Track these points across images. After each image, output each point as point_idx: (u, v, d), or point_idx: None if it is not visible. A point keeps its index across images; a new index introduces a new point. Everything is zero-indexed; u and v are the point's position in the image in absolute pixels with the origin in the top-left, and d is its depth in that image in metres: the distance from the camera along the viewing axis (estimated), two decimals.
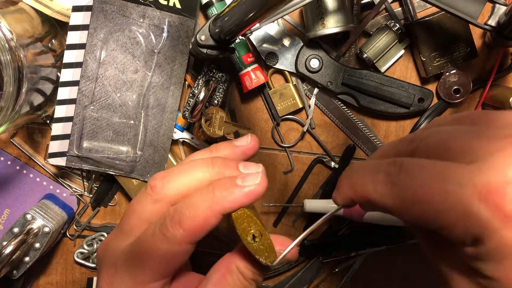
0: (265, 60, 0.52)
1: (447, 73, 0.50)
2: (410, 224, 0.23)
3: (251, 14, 0.34)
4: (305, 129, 0.54)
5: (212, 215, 0.28)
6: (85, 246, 0.58)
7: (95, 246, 0.57)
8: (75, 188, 0.57)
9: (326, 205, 0.53)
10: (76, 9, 0.49)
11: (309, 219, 0.57)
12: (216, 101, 0.52)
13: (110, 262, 0.30)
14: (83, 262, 0.58)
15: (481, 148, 0.19)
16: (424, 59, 0.50)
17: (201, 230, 0.28)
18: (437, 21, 0.49)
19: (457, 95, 0.51)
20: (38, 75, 0.47)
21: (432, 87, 0.53)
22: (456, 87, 0.51)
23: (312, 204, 0.53)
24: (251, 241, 0.28)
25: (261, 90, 0.54)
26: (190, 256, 0.29)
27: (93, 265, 0.58)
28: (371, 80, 0.51)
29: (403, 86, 0.51)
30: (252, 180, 0.28)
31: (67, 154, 0.52)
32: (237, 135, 0.55)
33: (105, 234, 0.57)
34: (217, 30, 0.41)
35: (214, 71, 0.51)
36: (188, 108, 0.51)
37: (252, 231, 0.28)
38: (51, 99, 0.51)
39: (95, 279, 0.57)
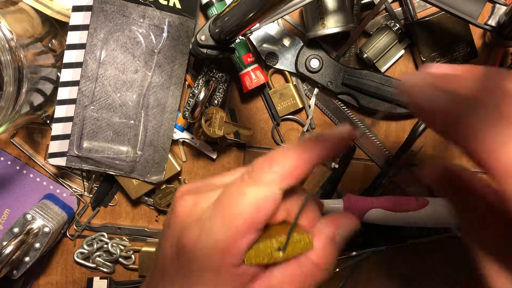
0: (265, 60, 0.52)
1: None
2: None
3: (251, 14, 0.34)
4: (305, 129, 0.54)
5: (302, 161, 0.27)
6: (85, 246, 0.58)
7: (95, 246, 0.57)
8: (75, 188, 0.57)
9: (326, 205, 0.53)
10: (76, 9, 0.49)
11: None
12: (216, 101, 0.52)
13: (196, 219, 0.28)
14: (83, 262, 0.58)
15: None
16: (424, 59, 0.50)
17: (291, 174, 0.27)
18: (437, 21, 0.49)
19: None
20: (38, 75, 0.47)
21: None
22: None
23: None
24: (281, 255, 0.28)
25: (261, 90, 0.54)
26: (279, 206, 0.27)
27: (93, 265, 0.58)
28: (371, 80, 0.51)
29: None
30: (342, 131, 0.28)
31: (67, 154, 0.52)
32: (237, 135, 0.55)
33: (105, 234, 0.57)
34: (217, 30, 0.41)
35: (214, 71, 0.51)
36: (188, 108, 0.51)
37: (273, 248, 0.27)
38: (51, 99, 0.51)
39: (95, 279, 0.57)
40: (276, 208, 0.27)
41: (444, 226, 0.54)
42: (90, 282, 0.57)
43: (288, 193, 0.28)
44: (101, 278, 0.57)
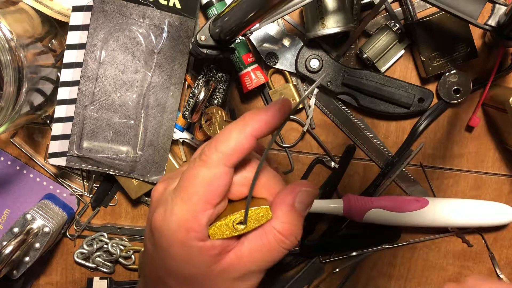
0: (265, 60, 0.52)
1: (447, 73, 0.51)
2: None
3: (251, 14, 0.34)
4: (305, 129, 0.54)
5: (244, 137, 0.29)
6: (85, 246, 0.58)
7: (95, 246, 0.57)
8: (75, 188, 0.57)
9: (326, 205, 0.53)
10: (76, 9, 0.49)
11: (308, 218, 0.57)
12: (216, 101, 0.52)
13: (162, 201, 0.32)
14: (83, 262, 0.58)
15: None
16: (424, 59, 0.50)
17: (235, 151, 0.29)
18: (437, 21, 0.49)
19: (457, 95, 0.51)
20: (38, 75, 0.47)
21: (432, 87, 0.53)
22: (456, 87, 0.51)
23: (313, 204, 0.53)
24: (242, 228, 0.30)
25: (261, 90, 0.54)
26: (230, 183, 0.30)
27: (93, 265, 0.58)
28: (371, 80, 0.51)
29: (403, 86, 0.51)
30: (276, 102, 0.30)
31: (67, 154, 0.52)
32: None
33: (105, 234, 0.57)
34: (217, 30, 0.41)
35: (214, 71, 0.51)
36: (188, 108, 0.51)
37: (234, 222, 0.30)
38: (51, 99, 0.51)
39: (95, 279, 0.57)
40: (227, 184, 0.30)
41: (445, 226, 0.54)
42: (90, 282, 0.57)
43: (244, 170, 0.31)
44: (101, 278, 0.57)
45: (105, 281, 0.57)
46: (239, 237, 0.31)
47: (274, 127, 0.30)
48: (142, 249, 0.56)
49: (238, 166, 0.31)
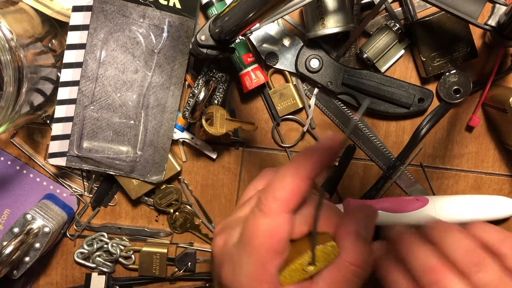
0: (265, 60, 0.52)
1: (447, 73, 0.51)
2: None
3: (251, 14, 0.34)
4: (305, 129, 0.54)
5: (299, 179, 0.29)
6: (85, 246, 0.58)
7: (95, 246, 0.57)
8: (75, 188, 0.57)
9: None
10: (76, 9, 0.49)
11: None
12: (216, 101, 0.52)
13: (227, 256, 0.31)
14: (83, 262, 0.58)
15: None
16: (424, 59, 0.50)
17: (293, 196, 0.29)
18: (437, 21, 0.49)
19: (457, 95, 0.51)
20: (38, 75, 0.47)
21: (432, 87, 0.53)
22: (456, 87, 0.51)
23: None
24: (312, 269, 0.30)
25: (261, 90, 0.54)
26: (293, 227, 0.30)
27: (93, 265, 0.58)
28: (371, 80, 0.51)
29: (403, 86, 0.51)
30: (325, 140, 0.31)
31: (67, 154, 0.52)
32: (235, 134, 0.55)
33: (105, 234, 0.57)
34: (217, 30, 0.41)
35: (214, 71, 0.51)
36: (188, 108, 0.51)
37: (303, 265, 0.29)
38: (51, 99, 0.51)
39: (93, 274, 0.57)
40: (291, 229, 0.30)
41: (452, 221, 0.53)
42: (88, 278, 0.57)
43: (302, 208, 0.31)
44: (99, 274, 0.57)
45: (103, 277, 0.57)
46: (311, 276, 0.31)
47: (326, 164, 0.30)
48: (143, 248, 0.56)
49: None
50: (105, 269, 0.58)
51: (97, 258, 0.58)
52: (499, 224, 0.55)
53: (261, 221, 0.29)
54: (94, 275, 0.57)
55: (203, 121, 0.50)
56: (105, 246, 0.57)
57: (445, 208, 0.51)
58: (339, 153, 0.30)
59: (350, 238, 0.30)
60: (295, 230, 0.30)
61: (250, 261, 0.29)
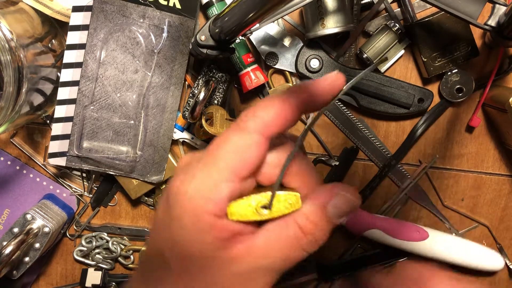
0: (265, 60, 0.52)
1: (449, 73, 0.51)
2: None
3: (251, 14, 0.34)
4: (306, 128, 0.54)
5: (288, 107, 0.26)
6: (84, 243, 0.57)
7: (94, 243, 0.57)
8: (75, 188, 0.57)
9: None
10: (76, 9, 0.49)
11: None
12: (216, 101, 0.52)
13: (186, 168, 0.28)
14: (82, 259, 0.58)
15: None
16: (425, 60, 0.50)
17: (275, 120, 0.26)
18: (437, 22, 0.49)
19: (460, 94, 0.51)
20: (38, 75, 0.47)
21: (432, 87, 0.53)
22: (458, 86, 0.51)
23: None
24: (265, 213, 0.27)
25: (261, 90, 0.54)
26: (263, 157, 0.27)
27: (93, 263, 0.58)
28: (371, 81, 0.51)
29: (403, 87, 0.51)
30: (329, 76, 0.27)
31: (67, 154, 0.52)
32: None
33: (105, 234, 0.57)
34: (217, 30, 0.41)
35: (214, 71, 0.51)
36: (188, 108, 0.51)
37: (259, 205, 0.27)
38: (51, 99, 0.51)
39: (89, 270, 0.57)
40: (260, 157, 0.26)
41: (439, 259, 0.54)
42: (84, 274, 0.57)
43: (278, 151, 0.28)
44: (95, 269, 0.57)
45: (100, 272, 0.57)
46: (257, 226, 0.28)
47: (322, 102, 0.27)
48: (142, 248, 0.56)
49: (273, 146, 0.28)
50: (104, 266, 0.58)
51: (97, 256, 0.58)
52: (485, 275, 0.55)
53: (232, 134, 0.26)
54: (91, 270, 0.57)
55: (203, 121, 0.50)
56: (106, 243, 0.57)
57: (441, 248, 0.52)
58: (335, 95, 0.27)
59: (314, 205, 0.27)
60: (263, 170, 0.28)
61: (205, 173, 0.26)
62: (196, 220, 0.26)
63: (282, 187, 0.28)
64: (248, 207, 0.26)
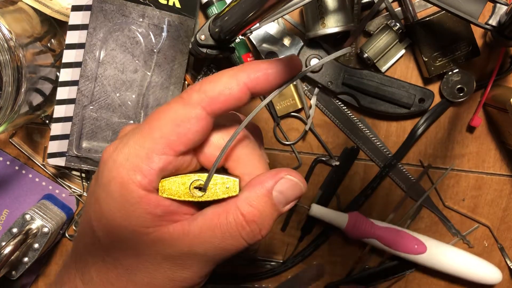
0: None
1: (450, 72, 0.50)
2: None
3: (251, 14, 0.34)
4: (307, 128, 0.54)
5: (236, 84, 0.25)
6: None
7: None
8: (74, 189, 0.57)
9: (331, 215, 0.53)
10: (76, 8, 0.49)
11: (307, 221, 0.57)
12: None
13: (120, 137, 0.26)
14: None
15: None
16: (426, 60, 0.49)
17: (220, 96, 0.24)
18: (438, 21, 0.48)
19: (461, 94, 0.51)
20: (37, 75, 0.47)
21: (433, 86, 0.53)
22: (459, 86, 0.51)
23: (318, 210, 0.53)
24: (199, 195, 0.25)
25: None
26: (203, 134, 0.25)
27: None
28: (371, 80, 0.51)
29: (404, 86, 0.51)
30: (285, 57, 0.26)
31: (67, 154, 0.52)
32: None
33: None
34: (217, 30, 0.40)
35: (213, 70, 0.51)
36: None
37: (191, 184, 0.25)
38: (50, 99, 0.51)
39: None
40: (200, 132, 0.25)
41: (441, 271, 0.53)
42: None
43: (226, 132, 0.27)
44: None
45: None
46: (196, 210, 0.26)
47: (274, 83, 0.25)
48: None
49: (220, 124, 0.26)
50: None
51: None
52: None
53: (172, 105, 0.25)
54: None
55: None
56: None
57: (439, 261, 0.52)
58: (292, 79, 0.26)
59: (258, 190, 0.25)
60: (206, 150, 0.26)
61: (138, 141, 0.24)
62: (123, 190, 0.24)
63: (226, 172, 0.27)
64: (181, 185, 0.25)
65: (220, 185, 0.25)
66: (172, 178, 0.25)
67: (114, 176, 0.24)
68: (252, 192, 0.25)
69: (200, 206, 0.26)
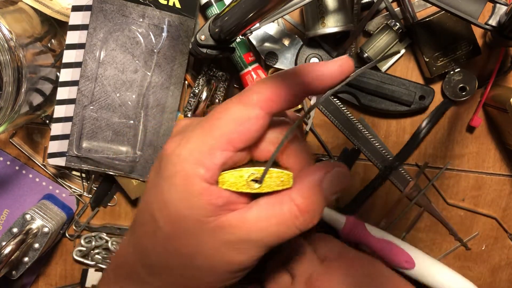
0: (265, 60, 0.52)
1: (451, 72, 0.50)
2: None
3: (251, 14, 0.34)
4: (307, 128, 0.54)
5: (293, 85, 0.26)
6: (83, 243, 0.57)
7: (93, 243, 0.57)
8: (75, 189, 0.57)
9: (329, 215, 0.53)
10: (76, 8, 0.49)
11: None
12: (217, 100, 0.52)
13: (183, 131, 0.28)
14: (81, 259, 0.58)
15: None
16: (428, 60, 0.49)
17: (278, 97, 0.26)
18: (438, 21, 0.48)
19: (463, 93, 0.51)
20: (38, 75, 0.47)
21: (434, 87, 0.53)
22: (461, 85, 0.51)
23: None
24: (256, 187, 0.27)
25: None
26: (261, 132, 0.27)
27: (92, 263, 0.58)
28: (371, 79, 0.51)
29: (404, 84, 0.51)
30: (339, 59, 0.27)
31: (67, 154, 0.52)
32: None
33: (104, 234, 0.57)
34: (217, 30, 0.40)
35: (214, 70, 0.51)
36: (190, 108, 0.51)
37: (249, 177, 0.27)
38: (50, 99, 0.51)
39: (90, 270, 0.57)
40: (258, 131, 0.27)
41: (428, 285, 0.54)
42: (84, 274, 0.57)
43: (278, 129, 0.28)
44: (96, 270, 0.57)
45: (100, 273, 0.57)
46: (250, 199, 0.28)
47: (327, 86, 0.27)
48: None
49: (274, 123, 0.28)
50: (103, 266, 0.58)
51: (96, 256, 0.57)
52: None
53: (233, 105, 0.26)
54: (91, 271, 0.57)
55: None
56: (105, 244, 0.57)
57: (426, 277, 0.52)
58: (344, 80, 0.27)
59: (309, 182, 0.28)
60: (260, 146, 0.28)
61: (201, 138, 0.26)
62: (187, 183, 0.26)
63: (277, 165, 0.29)
64: (240, 178, 0.27)
65: (275, 178, 0.27)
66: (231, 171, 0.27)
67: (178, 170, 0.26)
68: (304, 184, 0.28)
69: (254, 195, 0.28)
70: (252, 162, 0.29)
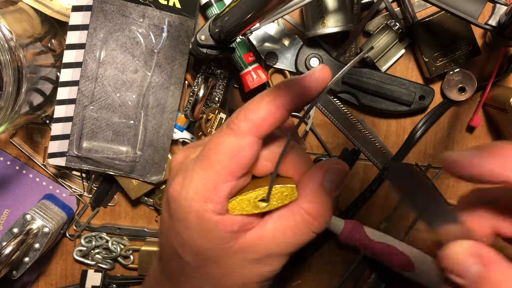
0: (265, 60, 0.52)
1: (451, 72, 0.50)
2: None
3: (251, 14, 0.34)
4: (307, 128, 0.54)
5: (275, 108, 0.27)
6: (83, 242, 0.57)
7: (93, 243, 0.57)
8: (75, 189, 0.57)
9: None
10: (76, 8, 0.49)
11: None
12: (217, 98, 0.52)
13: (182, 169, 0.29)
14: (82, 259, 0.58)
15: None
16: (427, 60, 0.50)
17: (265, 121, 0.27)
18: (438, 21, 0.48)
19: (463, 93, 0.51)
20: (38, 75, 0.47)
21: (433, 87, 0.53)
22: (461, 85, 0.51)
23: None
24: (264, 205, 0.28)
25: (262, 90, 0.54)
26: (256, 155, 0.28)
27: (92, 263, 0.58)
28: (371, 79, 0.51)
29: (404, 84, 0.51)
30: (314, 71, 0.28)
31: (67, 154, 0.52)
32: None
33: (105, 234, 0.57)
34: (217, 30, 0.40)
35: (213, 68, 0.51)
36: (189, 107, 0.51)
37: (256, 198, 0.28)
38: (50, 99, 0.51)
39: (89, 271, 0.57)
40: (254, 156, 0.28)
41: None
42: (84, 275, 0.57)
43: (272, 145, 0.30)
44: (95, 271, 0.57)
45: (100, 274, 0.57)
46: (262, 215, 0.29)
47: (309, 99, 0.28)
48: (142, 248, 0.56)
49: (267, 140, 0.29)
50: (104, 266, 0.58)
51: (96, 256, 0.57)
52: None
53: (225, 138, 0.27)
54: (90, 271, 0.57)
55: (203, 122, 0.50)
56: (105, 243, 0.57)
57: (426, 278, 0.51)
58: (324, 90, 0.28)
59: (312, 186, 0.29)
60: (258, 164, 0.29)
61: (203, 176, 0.27)
62: (200, 221, 0.28)
63: (278, 176, 0.30)
64: (247, 202, 0.28)
65: (280, 194, 0.29)
66: (237, 197, 0.28)
67: (188, 211, 0.28)
68: (308, 190, 0.29)
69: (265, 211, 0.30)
70: (254, 179, 0.30)
